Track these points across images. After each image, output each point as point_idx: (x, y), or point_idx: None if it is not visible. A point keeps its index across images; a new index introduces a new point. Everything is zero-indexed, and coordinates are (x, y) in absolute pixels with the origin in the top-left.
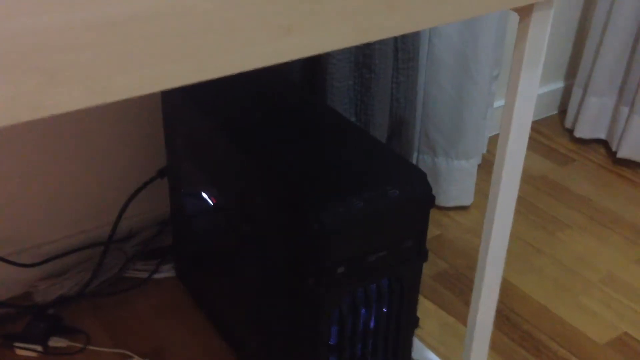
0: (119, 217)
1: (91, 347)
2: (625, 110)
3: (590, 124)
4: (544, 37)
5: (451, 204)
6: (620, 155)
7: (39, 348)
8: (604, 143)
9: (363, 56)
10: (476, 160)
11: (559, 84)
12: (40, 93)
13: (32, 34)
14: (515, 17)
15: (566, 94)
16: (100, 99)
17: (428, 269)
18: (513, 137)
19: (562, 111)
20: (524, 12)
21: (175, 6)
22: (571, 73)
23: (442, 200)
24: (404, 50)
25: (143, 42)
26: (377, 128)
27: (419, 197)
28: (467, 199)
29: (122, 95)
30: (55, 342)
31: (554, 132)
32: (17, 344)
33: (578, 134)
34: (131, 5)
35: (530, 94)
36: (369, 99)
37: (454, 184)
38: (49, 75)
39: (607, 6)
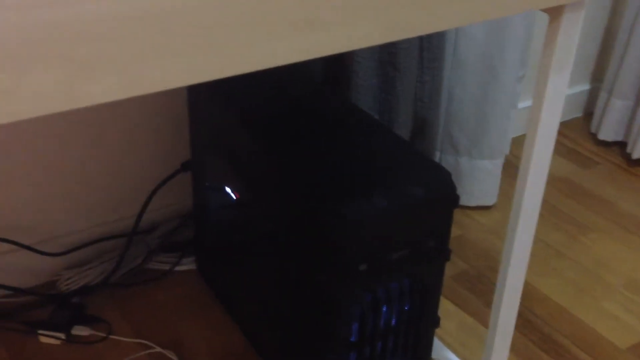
0: (143, 209)
1: (113, 337)
2: None
3: (613, 126)
4: (574, 38)
5: (473, 203)
6: (635, 156)
7: (62, 336)
8: (626, 146)
9: (388, 55)
10: (500, 161)
11: (585, 87)
12: (75, 84)
13: (68, 25)
14: (542, 17)
15: (591, 96)
16: (133, 92)
17: (448, 269)
18: (540, 139)
19: (588, 114)
20: (555, 13)
21: (203, 1)
22: (597, 76)
23: (464, 199)
24: (429, 50)
25: (175, 35)
26: (400, 127)
27: (443, 196)
28: (490, 199)
29: (154, 88)
30: (78, 330)
31: (578, 134)
32: (41, 332)
33: (602, 136)
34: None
35: (558, 96)
36: (393, 97)
37: (477, 183)
38: (83, 66)
39: (635, 9)
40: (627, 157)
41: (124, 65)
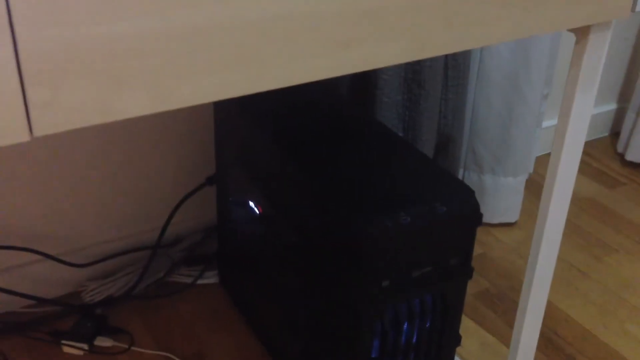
0: (167, 222)
1: (135, 348)
2: None
3: None
4: (601, 58)
5: (496, 220)
6: None
7: (85, 346)
8: None
9: (413, 72)
10: (523, 178)
11: (611, 106)
12: (109, 98)
13: (103, 41)
14: (568, 37)
15: (618, 116)
16: (165, 106)
17: (470, 287)
18: (565, 158)
19: (614, 133)
20: (581, 34)
21: (235, 19)
22: (624, 95)
23: (487, 217)
24: (454, 68)
25: (207, 52)
26: (424, 144)
27: (467, 214)
28: (512, 216)
29: (186, 102)
30: (101, 341)
31: (604, 154)
32: (64, 342)
33: (629, 157)
34: (196, 17)
35: (583, 115)
36: (417, 114)
37: (500, 201)
38: (117, 81)
39: None
40: None
41: (157, 81)
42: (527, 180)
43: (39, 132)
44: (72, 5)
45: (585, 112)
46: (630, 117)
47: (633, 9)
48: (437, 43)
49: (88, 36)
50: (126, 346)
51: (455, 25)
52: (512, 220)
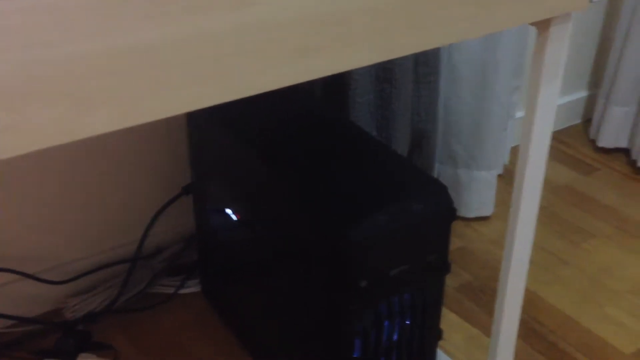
0: (145, 233)
1: None
2: None
3: (613, 133)
4: (563, 50)
5: (472, 214)
6: None
7: None
8: (626, 152)
9: (384, 71)
10: (496, 171)
11: (583, 94)
12: (73, 117)
13: (63, 61)
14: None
15: (589, 103)
16: (130, 122)
17: (452, 281)
18: (533, 148)
19: (586, 120)
20: (542, 26)
21: (198, 31)
22: (594, 82)
23: (463, 211)
24: (424, 64)
25: (168, 66)
26: (398, 141)
27: (441, 210)
28: (487, 210)
29: (151, 117)
30: (85, 357)
31: (578, 141)
32: None
33: (601, 143)
34: (155, 32)
35: (549, 106)
36: (390, 113)
37: (475, 195)
38: (79, 100)
39: (629, 16)
40: (631, 164)
41: (123, 97)
42: (503, 171)
43: (3, 154)
44: (26, 28)
45: (551, 102)
46: (600, 103)
47: (590, 0)
48: (400, 45)
49: (46, 58)
50: None
51: (417, 26)
52: (487, 214)
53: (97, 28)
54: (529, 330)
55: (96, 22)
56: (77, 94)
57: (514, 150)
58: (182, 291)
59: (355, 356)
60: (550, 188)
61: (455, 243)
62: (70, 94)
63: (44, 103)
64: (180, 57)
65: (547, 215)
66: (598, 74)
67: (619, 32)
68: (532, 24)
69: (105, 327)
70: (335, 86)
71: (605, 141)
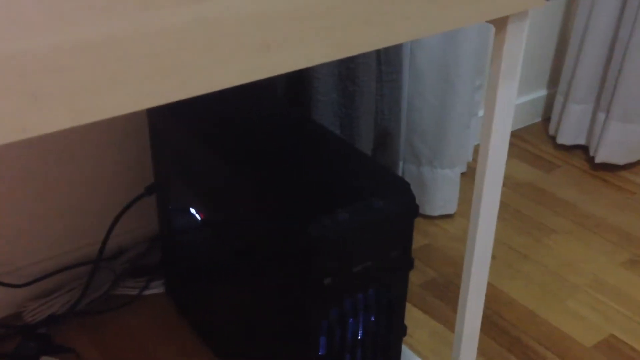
0: (108, 234)
1: None
2: (602, 116)
3: (571, 130)
4: (520, 47)
5: (436, 213)
6: (598, 160)
7: None
8: (585, 149)
9: (347, 69)
10: (460, 169)
11: (542, 92)
12: (25, 114)
13: (14, 57)
14: None
15: (549, 101)
16: (85, 119)
17: (417, 278)
18: (493, 146)
19: (546, 119)
20: (499, 24)
21: (153, 27)
22: (553, 81)
23: (427, 209)
24: (387, 63)
25: (123, 62)
26: (362, 140)
27: (404, 207)
28: (451, 208)
29: (106, 114)
30: None
31: (538, 139)
32: None
33: (560, 140)
34: (109, 27)
35: (508, 104)
36: (353, 111)
37: (438, 193)
38: (32, 97)
39: (585, 16)
40: (590, 161)
41: (74, 95)
42: (467, 169)
43: None
44: None
45: (510, 100)
46: (559, 101)
47: None
48: (359, 41)
49: None
50: None
51: (375, 23)
52: (451, 212)
53: (48, 22)
54: (491, 324)
55: (47, 16)
56: (28, 89)
57: (477, 148)
58: (146, 292)
59: (320, 354)
60: (512, 185)
61: (419, 240)
62: (21, 90)
63: None
64: (137, 52)
65: (509, 212)
66: (557, 73)
67: (576, 30)
68: (490, 21)
69: (68, 330)
70: (298, 85)
71: (564, 138)
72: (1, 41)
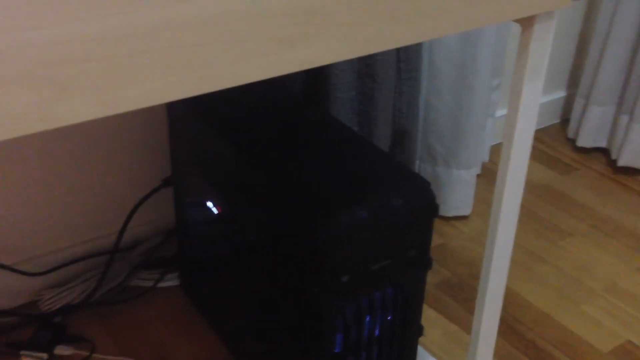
0: (124, 226)
1: (96, 355)
2: (625, 118)
3: (592, 133)
4: (547, 47)
5: (451, 213)
6: (620, 163)
7: (45, 356)
8: (605, 152)
9: (366, 67)
10: (475, 170)
11: (561, 93)
12: (52, 105)
13: (43, 47)
14: (517, 27)
15: (568, 103)
16: (110, 110)
17: (431, 278)
18: (516, 146)
19: (564, 120)
20: (526, 24)
21: (180, 19)
22: (573, 82)
23: (442, 209)
24: (406, 61)
25: (150, 55)
26: (379, 138)
27: (423, 206)
28: (465, 209)
29: (132, 106)
30: (61, 350)
31: (556, 141)
32: (23, 352)
33: (580, 143)
34: (137, 19)
35: (532, 104)
36: (371, 109)
37: (454, 193)
38: (60, 87)
39: (608, 16)
40: (610, 164)
41: (101, 85)
42: (482, 169)
43: None
44: (8, 11)
45: (534, 100)
46: (579, 103)
47: None
48: (384, 38)
49: (26, 42)
50: (87, 353)
51: (400, 20)
52: (465, 213)
53: (78, 13)
54: (507, 327)
55: (77, 6)
56: (55, 80)
57: (494, 149)
58: (161, 284)
59: (336, 351)
60: (529, 187)
61: (435, 240)
62: (47, 80)
63: (22, 89)
64: (160, 46)
65: (525, 214)
66: (577, 74)
67: (599, 31)
68: (516, 21)
69: (83, 319)
70: (317, 81)
71: (584, 141)
72: (31, 31)
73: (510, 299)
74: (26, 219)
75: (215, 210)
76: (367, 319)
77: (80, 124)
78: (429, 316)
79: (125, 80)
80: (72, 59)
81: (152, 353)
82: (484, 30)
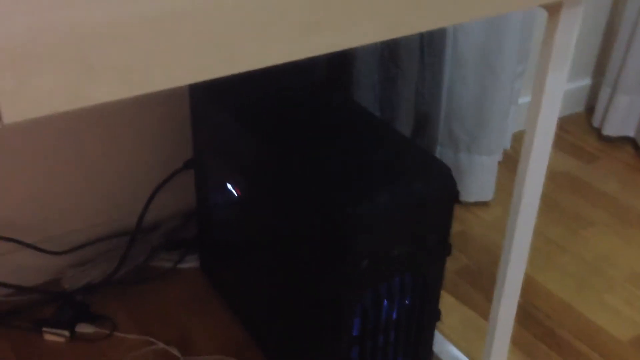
0: (146, 207)
1: (117, 334)
2: None
3: (618, 122)
4: (573, 34)
5: (472, 199)
6: None
7: (67, 333)
8: (631, 141)
9: (389, 52)
10: (497, 157)
11: (586, 81)
12: (80, 84)
13: (72, 27)
14: (542, 13)
15: (593, 91)
16: (137, 91)
17: (451, 264)
18: (539, 134)
19: (589, 108)
20: (553, 9)
21: (207, 2)
22: (598, 70)
23: (463, 195)
24: (430, 46)
25: (177, 36)
26: (401, 123)
27: (444, 191)
28: (487, 195)
29: (158, 86)
30: (83, 328)
31: (580, 129)
32: (45, 329)
33: (606, 132)
34: (164, 3)
35: (557, 91)
36: (394, 94)
37: (475, 179)
38: (87, 67)
39: (638, 4)
40: (632, 153)
41: (128, 66)
42: (504, 156)
43: (8, 119)
44: None
45: (559, 88)
46: (605, 91)
47: None
48: (408, 22)
49: (55, 22)
50: (108, 332)
51: (424, 4)
52: (487, 199)
53: None
54: (526, 315)
55: None
56: (82, 60)
57: (516, 136)
58: (181, 266)
59: (354, 335)
60: (551, 175)
61: (454, 227)
62: (75, 61)
63: (51, 68)
64: (185, 28)
65: (546, 202)
66: (603, 62)
67: (627, 19)
68: (543, 6)
69: (103, 298)
70: (340, 66)
71: (610, 129)
72: (60, 10)
73: (530, 287)
74: (49, 199)
75: (235, 194)
76: (385, 303)
77: (105, 107)
78: (447, 302)
79: (150, 61)
80: (101, 40)
81: (171, 333)
82: (509, 17)
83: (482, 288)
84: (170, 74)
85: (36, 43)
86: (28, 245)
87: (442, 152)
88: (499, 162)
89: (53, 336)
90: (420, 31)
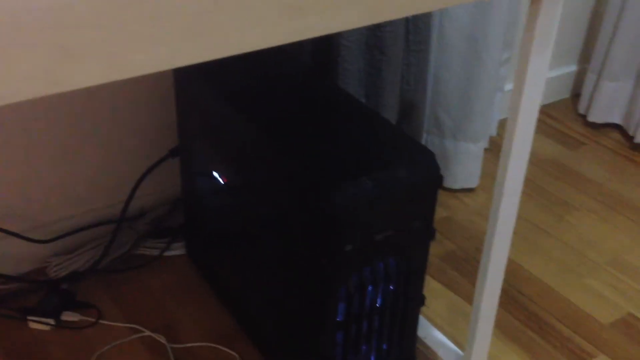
0: (131, 195)
1: (103, 322)
2: None
3: (604, 108)
4: (555, 20)
5: (457, 186)
6: (638, 139)
7: (52, 322)
8: (617, 128)
9: (374, 38)
10: (483, 144)
11: (572, 68)
12: (58, 68)
13: (50, 11)
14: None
15: (578, 78)
16: (116, 75)
17: (436, 250)
18: (521, 120)
19: (575, 95)
20: None
21: None
22: (584, 57)
23: (448, 182)
24: (415, 33)
25: (157, 20)
26: (387, 110)
27: (428, 177)
28: (472, 182)
29: (138, 71)
30: (68, 316)
31: (565, 115)
32: (30, 318)
33: (591, 118)
34: None
35: (539, 77)
36: (379, 80)
37: (461, 166)
38: (66, 51)
39: None
40: (621, 140)
41: (108, 50)
42: (490, 143)
43: None
44: None
45: (541, 74)
46: (590, 78)
47: None
48: (392, 6)
49: (34, 7)
50: (94, 320)
51: None
52: (472, 185)
53: None
54: (510, 299)
55: None
56: (63, 44)
57: (502, 123)
58: (167, 253)
59: (339, 320)
60: (536, 161)
61: (440, 213)
62: (56, 44)
63: (29, 53)
64: (167, 11)
65: (532, 188)
66: (588, 49)
67: (613, 6)
68: None
69: (89, 286)
70: (325, 53)
71: (596, 116)
72: None
73: (514, 272)
74: (34, 187)
75: (221, 180)
76: (370, 288)
77: (88, 93)
78: (433, 288)
79: (132, 45)
80: (78, 23)
81: (157, 320)
82: (495, 3)
83: (467, 273)
84: (152, 58)
85: (14, 26)
86: (13, 234)
87: (428, 139)
88: (485, 149)
89: (38, 324)
90: (405, 15)
